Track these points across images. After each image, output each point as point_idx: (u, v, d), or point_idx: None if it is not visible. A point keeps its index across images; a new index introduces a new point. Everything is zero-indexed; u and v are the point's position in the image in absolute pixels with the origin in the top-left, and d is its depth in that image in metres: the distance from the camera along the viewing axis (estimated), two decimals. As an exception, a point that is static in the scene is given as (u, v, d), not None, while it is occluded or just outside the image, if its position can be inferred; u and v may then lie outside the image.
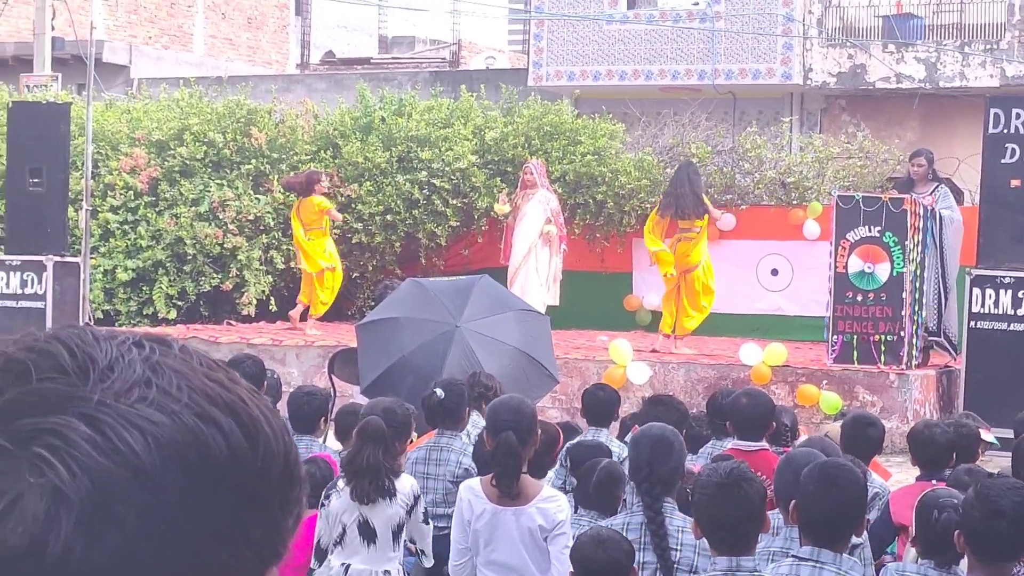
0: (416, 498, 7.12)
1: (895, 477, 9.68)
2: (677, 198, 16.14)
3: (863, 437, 8.06)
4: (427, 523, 7.33)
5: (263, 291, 19.95)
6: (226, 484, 1.10)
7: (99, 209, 19.82)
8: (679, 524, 5.92)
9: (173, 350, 1.15)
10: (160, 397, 1.09)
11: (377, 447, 6.91)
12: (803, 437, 9.52)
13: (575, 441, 8.56)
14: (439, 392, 8.35)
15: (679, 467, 6.16)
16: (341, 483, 7.03)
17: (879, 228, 14.91)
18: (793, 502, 5.37)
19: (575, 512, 7.09)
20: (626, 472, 6.63)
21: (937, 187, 16.04)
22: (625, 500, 6.73)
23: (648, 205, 19.59)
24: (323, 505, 7.05)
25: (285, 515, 1.16)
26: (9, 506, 1.05)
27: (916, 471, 7.85)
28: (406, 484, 7.10)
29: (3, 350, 1.13)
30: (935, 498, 6.04)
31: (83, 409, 1.07)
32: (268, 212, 20.12)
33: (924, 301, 15.45)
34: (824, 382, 14.90)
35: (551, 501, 6.63)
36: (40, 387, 1.09)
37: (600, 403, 9.03)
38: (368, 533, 6.99)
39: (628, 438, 7.65)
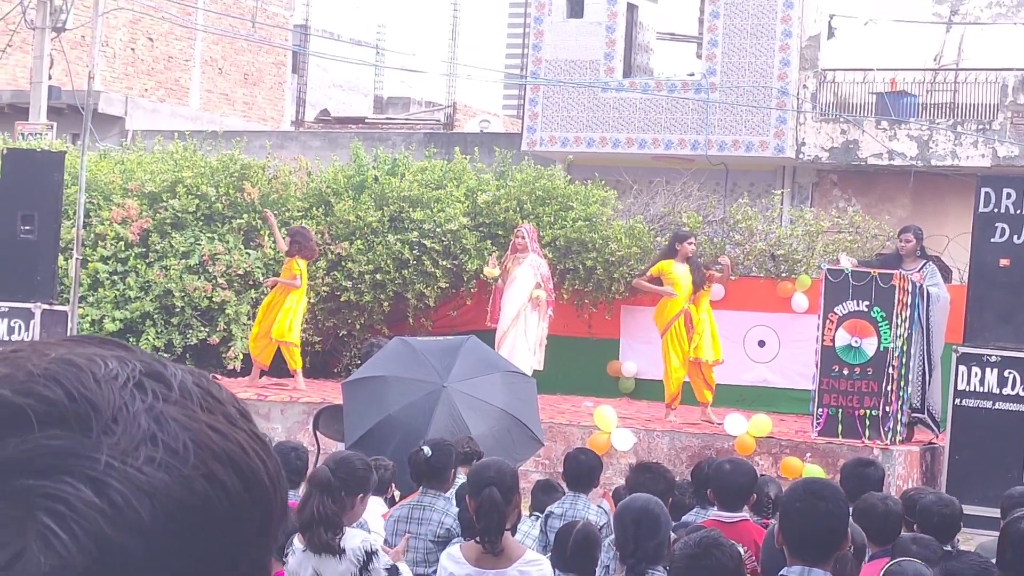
0: (369, 554, 6.80)
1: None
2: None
3: (862, 476, 8.18)
4: None
5: (249, 346, 19.89)
6: (223, 534, 1.09)
7: (89, 259, 19.81)
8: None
9: (173, 393, 1.13)
10: (168, 458, 1.08)
11: (325, 496, 6.72)
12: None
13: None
14: (426, 450, 8.31)
15: (665, 540, 6.14)
16: (296, 540, 6.83)
17: (867, 303, 14.92)
18: (776, 525, 5.29)
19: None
20: (607, 539, 6.60)
21: (925, 264, 16.05)
22: (608, 567, 6.69)
23: (637, 273, 19.64)
24: (284, 563, 6.95)
25: (269, 552, 1.17)
26: (9, 563, 1.02)
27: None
28: (356, 540, 6.84)
29: None
30: (900, 572, 6.03)
31: (90, 472, 1.04)
32: (258, 267, 20.09)
33: (909, 377, 15.47)
34: (808, 455, 14.88)
35: (533, 565, 6.59)
36: (44, 444, 1.05)
37: (581, 467, 9.00)
38: None
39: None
